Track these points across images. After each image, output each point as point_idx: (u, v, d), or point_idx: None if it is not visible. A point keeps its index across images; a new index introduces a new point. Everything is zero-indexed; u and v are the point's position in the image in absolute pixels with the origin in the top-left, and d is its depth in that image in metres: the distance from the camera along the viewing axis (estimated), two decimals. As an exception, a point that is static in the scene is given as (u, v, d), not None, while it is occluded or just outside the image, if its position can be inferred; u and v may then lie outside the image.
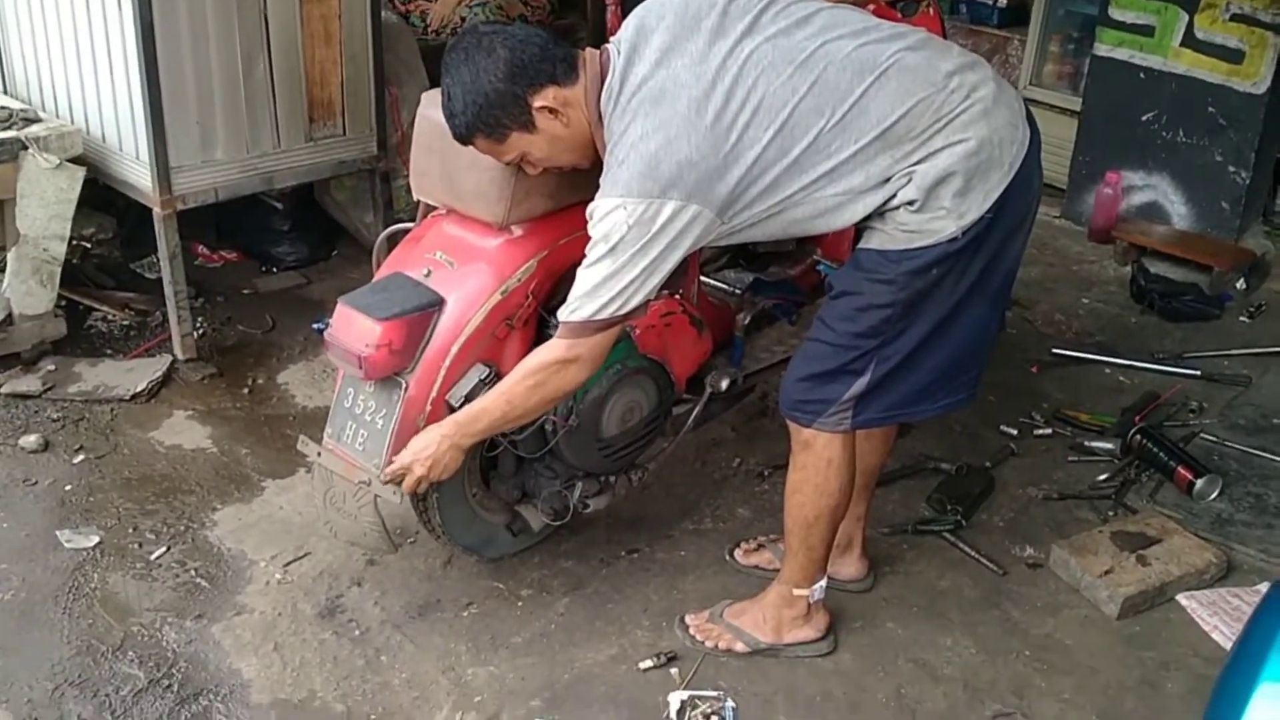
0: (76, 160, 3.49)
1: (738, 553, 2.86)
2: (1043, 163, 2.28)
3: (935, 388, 2.33)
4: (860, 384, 2.29)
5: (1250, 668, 1.76)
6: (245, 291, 4.12)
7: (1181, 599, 2.75)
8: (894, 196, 2.15)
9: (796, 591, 2.52)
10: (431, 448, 2.30)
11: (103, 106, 3.53)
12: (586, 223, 2.29)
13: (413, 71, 4.28)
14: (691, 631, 2.60)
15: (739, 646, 2.56)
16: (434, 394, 2.40)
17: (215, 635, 2.59)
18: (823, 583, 2.53)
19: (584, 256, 2.18)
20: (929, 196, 2.13)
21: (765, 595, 2.58)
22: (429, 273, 2.46)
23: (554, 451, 2.58)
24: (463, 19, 4.72)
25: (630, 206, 2.07)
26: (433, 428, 2.33)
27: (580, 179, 2.44)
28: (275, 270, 4.26)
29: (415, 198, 2.57)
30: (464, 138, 2.23)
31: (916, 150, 2.12)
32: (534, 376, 2.23)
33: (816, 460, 2.37)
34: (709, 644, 2.57)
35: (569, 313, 2.17)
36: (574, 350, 2.19)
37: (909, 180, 2.13)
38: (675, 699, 2.42)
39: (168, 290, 3.55)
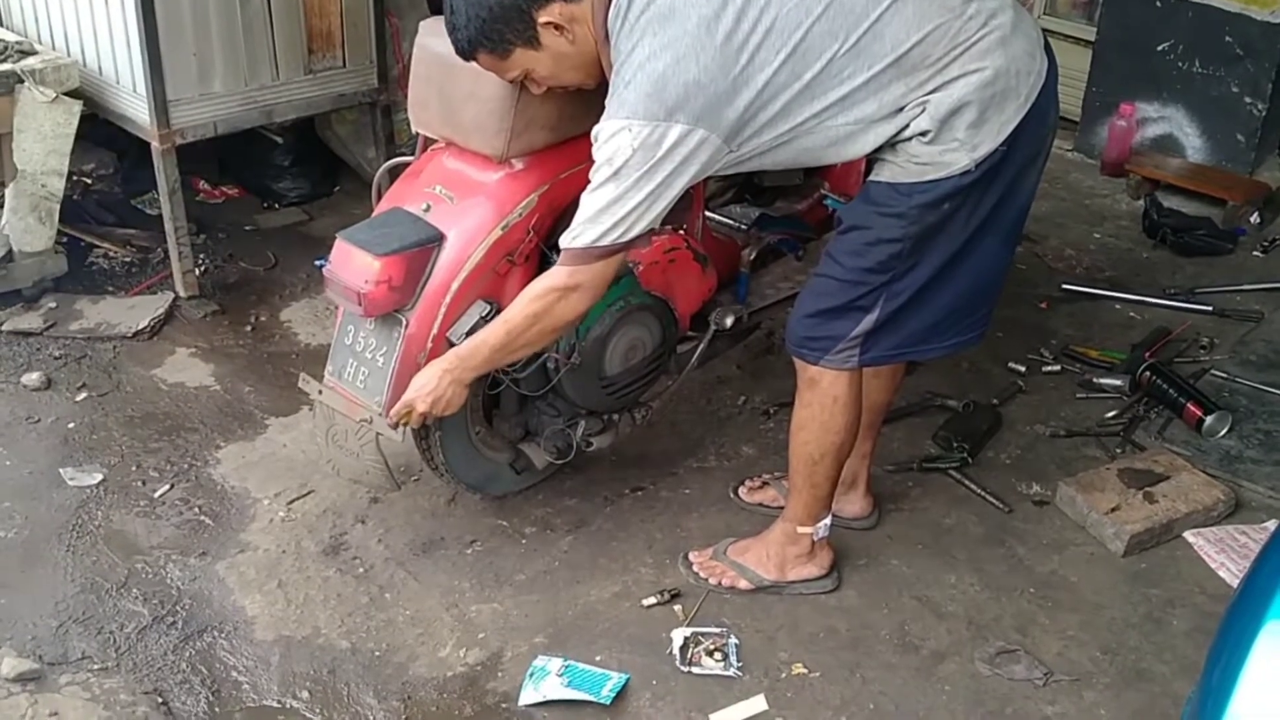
0: (73, 94, 3.43)
1: (742, 490, 2.85)
2: (1058, 94, 2.23)
3: (945, 326, 2.30)
4: (869, 320, 2.26)
5: (1256, 605, 1.75)
6: (247, 228, 4.08)
7: (1188, 536, 2.73)
8: (906, 127, 2.10)
9: (801, 529, 2.51)
10: (433, 384, 2.27)
11: (99, 38, 3.47)
12: (588, 156, 2.25)
13: (413, 1, 4.20)
14: (695, 569, 2.60)
15: (742, 584, 2.56)
16: (435, 331, 2.38)
17: (219, 572, 2.60)
18: (827, 520, 2.52)
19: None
20: (942, 127, 2.08)
21: (769, 533, 2.57)
22: (428, 207, 2.42)
23: (556, 390, 2.56)
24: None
25: (635, 129, 2.02)
26: (434, 363, 2.31)
27: (581, 111, 2.39)
28: (277, 206, 4.22)
29: (414, 130, 2.53)
30: (467, 53, 2.18)
31: (931, 79, 2.07)
32: (534, 305, 2.19)
33: (822, 398, 2.35)
34: (712, 581, 2.57)
35: (570, 239, 2.13)
36: (575, 278, 2.15)
37: (922, 110, 2.08)
38: (679, 635, 2.42)
39: (168, 227, 3.52)
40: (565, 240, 2.14)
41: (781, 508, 2.59)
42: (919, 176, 2.12)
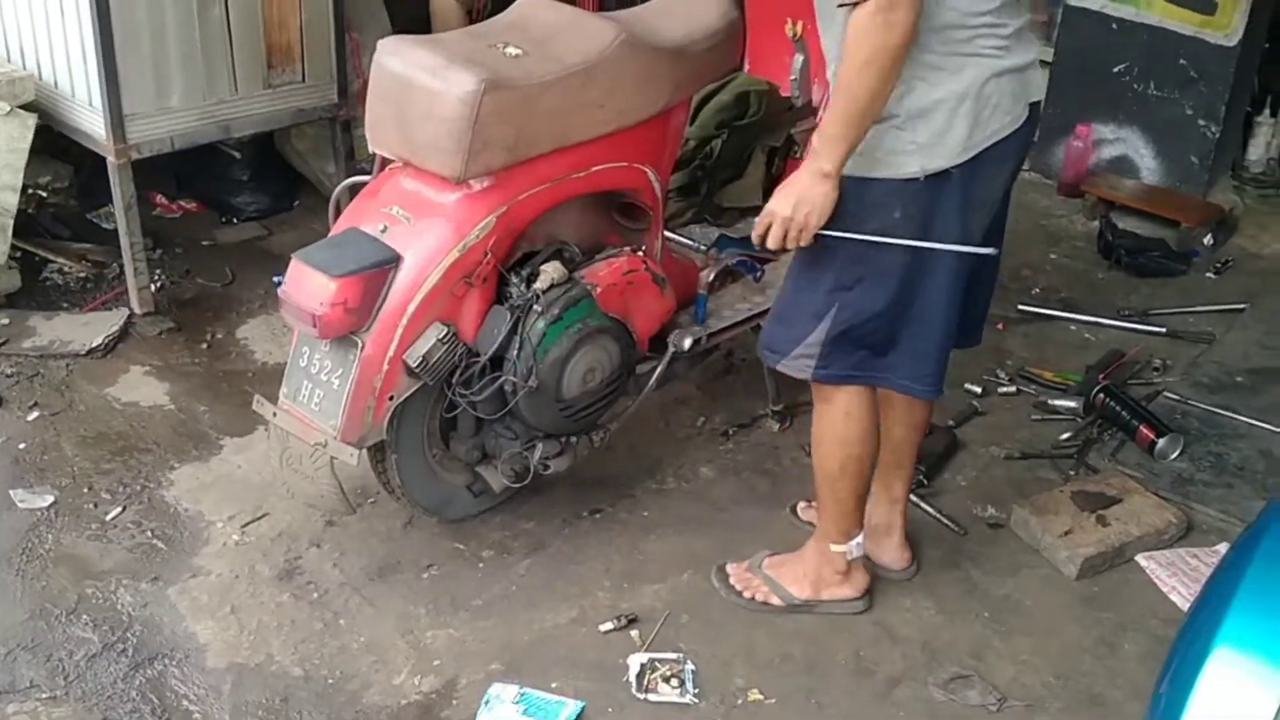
0: (28, 107, 3.40)
1: (800, 505, 2.86)
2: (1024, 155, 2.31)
3: (898, 363, 2.32)
4: (822, 329, 2.28)
5: (1205, 631, 1.77)
6: (205, 243, 4.04)
7: (1140, 559, 2.76)
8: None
9: (834, 548, 2.52)
10: (788, 189, 2.12)
11: (54, 51, 3.43)
12: (546, 177, 2.24)
13: (374, 16, 4.19)
14: (732, 581, 2.61)
15: (775, 600, 2.57)
16: (391, 353, 2.37)
17: (171, 598, 2.56)
18: (859, 539, 2.52)
19: (545, 212, 2.10)
20: (907, 120, 2.09)
21: (804, 551, 2.59)
22: (385, 228, 2.41)
23: (514, 412, 2.55)
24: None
25: None
26: (790, 177, 2.16)
27: (538, 131, 2.39)
28: (235, 221, 4.18)
29: (371, 150, 2.51)
30: None
31: (948, 55, 2.06)
32: (860, 51, 1.97)
33: (834, 412, 2.39)
34: (746, 594, 2.59)
35: None
36: (880, 2, 1.93)
37: (905, 92, 2.07)
38: (635, 661, 2.42)
39: (124, 243, 3.48)
40: None
41: None
42: (867, 171, 2.14)
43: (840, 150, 2.07)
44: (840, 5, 1.98)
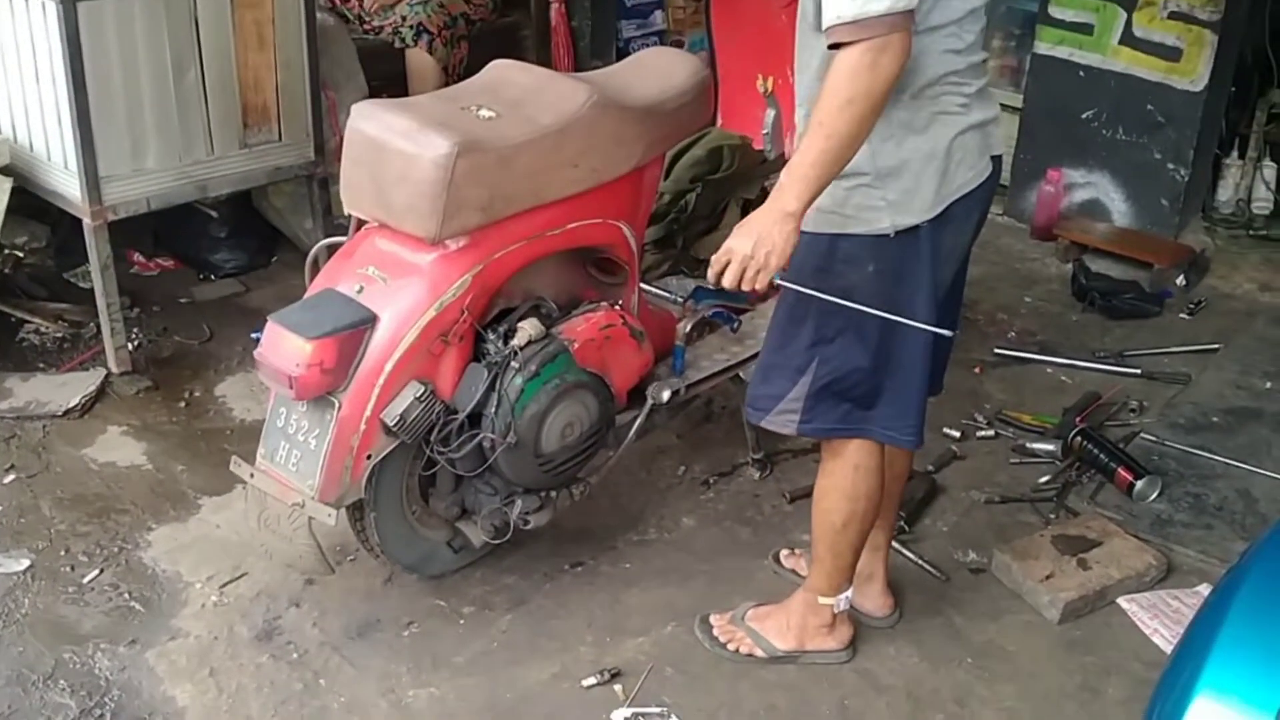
0: (4, 170, 3.41)
1: (782, 554, 2.87)
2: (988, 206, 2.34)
3: (881, 415, 2.32)
4: (804, 383, 2.29)
5: (1187, 677, 1.77)
6: (182, 300, 4.04)
7: (1122, 602, 2.76)
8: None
9: (822, 600, 2.52)
10: (748, 228, 2.05)
11: (29, 115, 3.44)
12: (521, 236, 2.24)
13: (350, 75, 4.22)
14: (715, 633, 2.61)
15: (758, 652, 2.56)
16: (368, 413, 2.37)
17: (149, 661, 2.54)
18: (848, 593, 2.52)
19: (520, 269, 2.11)
20: (877, 178, 2.11)
21: (790, 601, 2.58)
22: (361, 289, 2.42)
23: (493, 468, 2.54)
24: (403, 18, 4.65)
25: None
26: (751, 215, 2.09)
27: (512, 191, 2.41)
28: (213, 278, 4.19)
29: (346, 211, 2.53)
30: None
31: (917, 114, 2.09)
32: (842, 92, 1.94)
33: (844, 466, 2.38)
34: (730, 647, 2.58)
35: (834, 17, 1.92)
36: (876, 43, 1.91)
37: (875, 151, 2.08)
38: (619, 716, 2.41)
39: (100, 303, 3.47)
40: (847, 13, 1.91)
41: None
42: (840, 228, 2.15)
43: (807, 191, 2.01)
44: (831, 47, 1.96)
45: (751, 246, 2.03)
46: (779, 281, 2.11)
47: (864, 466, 2.38)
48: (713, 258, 2.10)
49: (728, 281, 2.08)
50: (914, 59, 2.01)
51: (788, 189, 2.02)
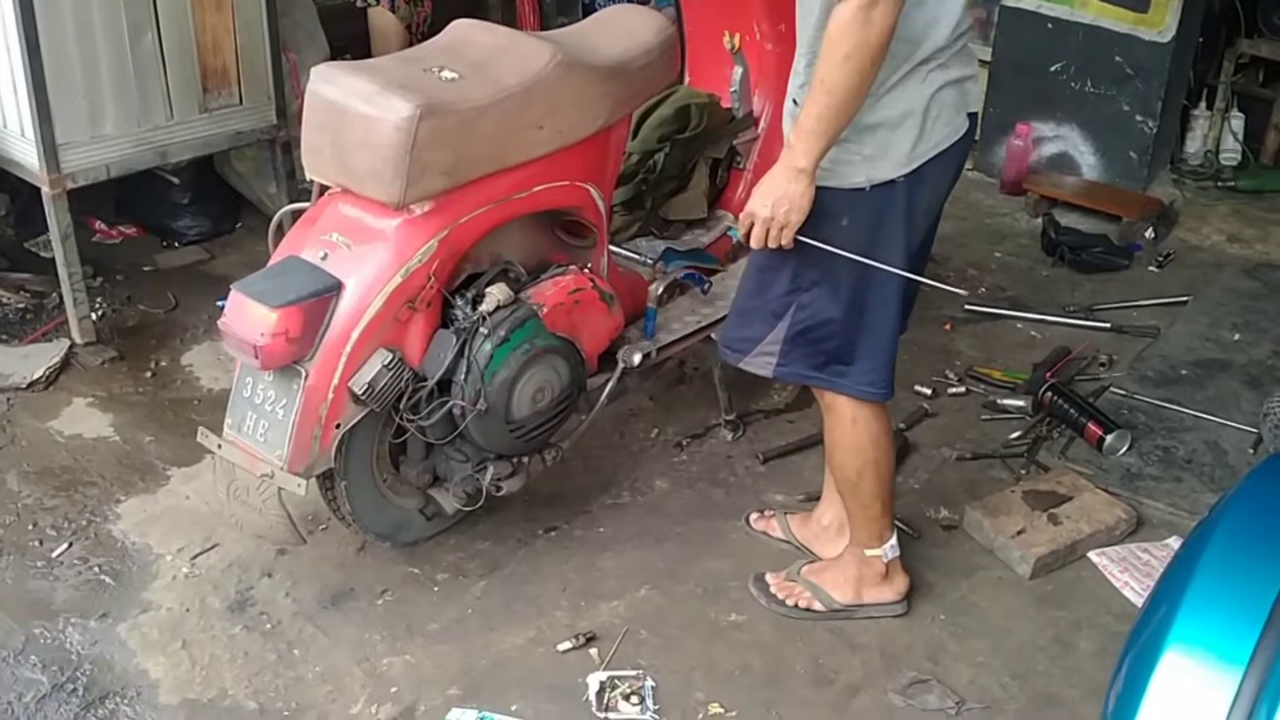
0: (-41, 139, 3.34)
1: (752, 517, 2.88)
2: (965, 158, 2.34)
3: (855, 369, 2.35)
4: (782, 328, 2.33)
5: (1157, 631, 1.78)
6: (146, 268, 3.99)
7: (1093, 556, 2.79)
8: None
9: (868, 552, 2.55)
10: (767, 185, 2.13)
11: (-16, 82, 3.37)
12: (487, 199, 2.20)
13: (311, 36, 4.15)
14: (773, 590, 2.62)
15: (817, 605, 2.59)
16: (336, 381, 2.34)
17: (121, 635, 2.52)
18: (893, 540, 2.55)
19: (487, 233, 2.09)
20: (853, 132, 2.12)
21: (842, 556, 2.61)
22: (325, 255, 2.38)
23: (464, 435, 2.53)
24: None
25: None
26: (767, 175, 2.16)
27: (477, 155, 2.38)
28: (177, 245, 4.13)
29: (308, 177, 2.49)
30: None
31: (893, 73, 2.09)
32: (840, 47, 1.98)
33: (841, 421, 2.42)
34: (790, 601, 2.60)
35: None
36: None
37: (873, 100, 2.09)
38: (594, 680, 2.41)
39: (61, 273, 3.42)
40: None
41: (782, 540, 2.74)
42: (820, 180, 2.16)
43: (817, 146, 2.07)
44: None
45: (770, 208, 2.13)
46: (799, 238, 2.18)
47: (860, 419, 2.40)
48: (739, 219, 2.22)
49: (754, 243, 2.20)
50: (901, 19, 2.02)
51: (796, 146, 2.09)
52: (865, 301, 2.28)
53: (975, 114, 2.30)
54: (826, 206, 2.18)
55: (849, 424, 2.41)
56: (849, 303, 2.28)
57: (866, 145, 2.15)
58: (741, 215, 2.21)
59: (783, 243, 2.17)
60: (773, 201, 2.12)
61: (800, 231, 2.18)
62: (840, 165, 2.16)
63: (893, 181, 2.17)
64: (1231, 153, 4.88)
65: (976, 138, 4.53)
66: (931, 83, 2.14)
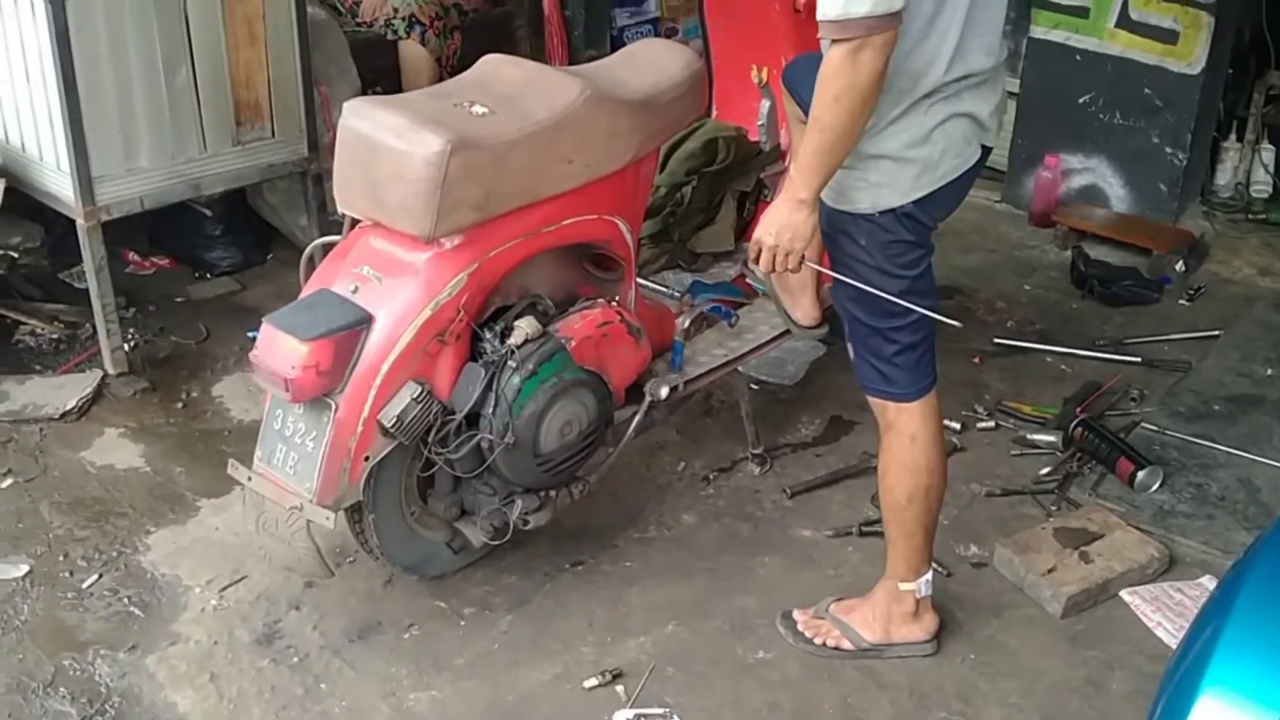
0: (-4, 171, 3.39)
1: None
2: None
3: (901, 379, 2.39)
4: (883, 353, 2.37)
5: (1193, 672, 1.76)
6: (178, 299, 4.02)
7: (1125, 595, 2.75)
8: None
9: (903, 586, 2.52)
10: (771, 215, 2.21)
11: (21, 116, 3.42)
12: (517, 233, 2.21)
13: (343, 69, 4.20)
14: (800, 628, 2.60)
15: (845, 645, 2.56)
16: (365, 414, 2.35)
17: (150, 667, 2.53)
18: (928, 576, 2.52)
19: (516, 267, 2.11)
20: (857, 161, 2.16)
21: (874, 593, 2.58)
22: (356, 288, 2.40)
23: (491, 468, 2.53)
24: (395, 9, 4.62)
25: None
26: (772, 204, 2.26)
27: (507, 189, 2.39)
28: (209, 276, 4.17)
29: (339, 211, 2.51)
30: None
31: (896, 105, 2.13)
32: (830, 88, 2.04)
33: (899, 439, 2.40)
34: (817, 640, 2.58)
35: (822, 14, 2.00)
36: (854, 44, 1.98)
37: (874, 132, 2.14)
38: (621, 717, 2.39)
39: (95, 305, 3.46)
40: (831, 13, 1.98)
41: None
42: (834, 202, 2.24)
43: (813, 180, 2.14)
44: (821, 38, 2.05)
45: (774, 235, 2.20)
46: (807, 264, 2.27)
47: (920, 437, 2.39)
48: (749, 246, 2.31)
49: (763, 268, 2.28)
50: (898, 56, 2.06)
51: (795, 179, 2.16)
52: (894, 312, 2.30)
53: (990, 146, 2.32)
54: (844, 226, 2.26)
55: (907, 441, 2.40)
56: (881, 315, 2.31)
57: (871, 173, 2.20)
58: (750, 242, 2.28)
59: (789, 268, 2.24)
60: (776, 230, 2.19)
61: (828, 248, 2.25)
62: (849, 190, 2.22)
63: (900, 207, 2.22)
64: (1262, 185, 4.85)
65: (1003, 169, 4.53)
66: (935, 115, 2.16)
